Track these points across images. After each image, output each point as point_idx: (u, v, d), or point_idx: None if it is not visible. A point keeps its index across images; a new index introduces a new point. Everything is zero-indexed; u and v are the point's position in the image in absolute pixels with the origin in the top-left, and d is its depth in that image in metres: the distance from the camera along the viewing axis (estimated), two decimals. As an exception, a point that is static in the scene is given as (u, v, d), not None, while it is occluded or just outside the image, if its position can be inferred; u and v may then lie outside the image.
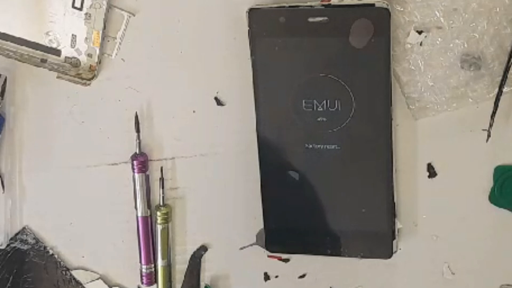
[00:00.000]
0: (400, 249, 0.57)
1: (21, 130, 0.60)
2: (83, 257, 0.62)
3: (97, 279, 0.62)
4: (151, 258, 0.60)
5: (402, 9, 0.53)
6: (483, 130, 0.54)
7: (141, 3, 0.57)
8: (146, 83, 0.58)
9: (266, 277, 0.60)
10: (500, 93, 0.53)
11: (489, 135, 0.54)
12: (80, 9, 0.57)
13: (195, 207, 0.60)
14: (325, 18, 0.53)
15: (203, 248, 0.60)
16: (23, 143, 0.60)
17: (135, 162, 0.59)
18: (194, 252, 0.61)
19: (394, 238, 0.56)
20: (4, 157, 0.61)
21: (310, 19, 0.53)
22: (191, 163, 0.59)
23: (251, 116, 0.56)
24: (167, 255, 0.60)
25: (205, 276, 0.61)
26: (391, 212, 0.56)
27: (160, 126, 0.59)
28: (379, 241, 0.56)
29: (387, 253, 0.56)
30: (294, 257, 0.59)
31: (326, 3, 0.53)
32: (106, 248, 0.61)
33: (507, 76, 0.53)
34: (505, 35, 0.53)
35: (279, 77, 0.55)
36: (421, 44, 0.54)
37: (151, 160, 0.59)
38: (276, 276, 0.60)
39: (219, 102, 0.58)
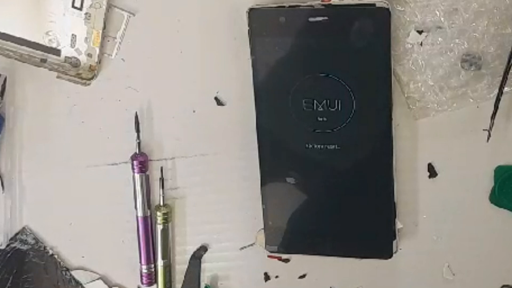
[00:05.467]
0: (400, 249, 0.57)
1: (21, 130, 0.60)
2: (83, 257, 0.62)
3: (97, 279, 0.62)
4: (151, 258, 0.60)
5: (402, 9, 0.53)
6: (484, 130, 0.54)
7: (141, 3, 0.57)
8: (146, 83, 0.58)
9: (266, 277, 0.60)
10: (500, 93, 0.53)
11: (489, 135, 0.54)
12: (80, 9, 0.57)
13: (195, 207, 0.60)
14: (325, 18, 0.53)
15: (203, 248, 0.60)
16: (23, 143, 0.60)
17: (135, 162, 0.59)
18: (194, 252, 0.60)
19: (394, 238, 0.56)
20: (4, 157, 0.61)
21: (310, 19, 0.53)
22: (191, 163, 0.59)
23: (251, 116, 0.56)
24: (167, 255, 0.60)
25: (205, 276, 0.61)
26: (391, 212, 0.56)
27: (160, 126, 0.59)
28: (379, 241, 0.56)
29: (387, 253, 0.56)
30: (294, 257, 0.59)
31: (326, 3, 0.53)
32: (106, 248, 0.61)
33: (507, 76, 0.53)
34: (505, 35, 0.53)
35: (279, 77, 0.55)
36: (421, 44, 0.54)
37: (151, 160, 0.59)
38: (276, 276, 0.60)
39: (219, 102, 0.58)
